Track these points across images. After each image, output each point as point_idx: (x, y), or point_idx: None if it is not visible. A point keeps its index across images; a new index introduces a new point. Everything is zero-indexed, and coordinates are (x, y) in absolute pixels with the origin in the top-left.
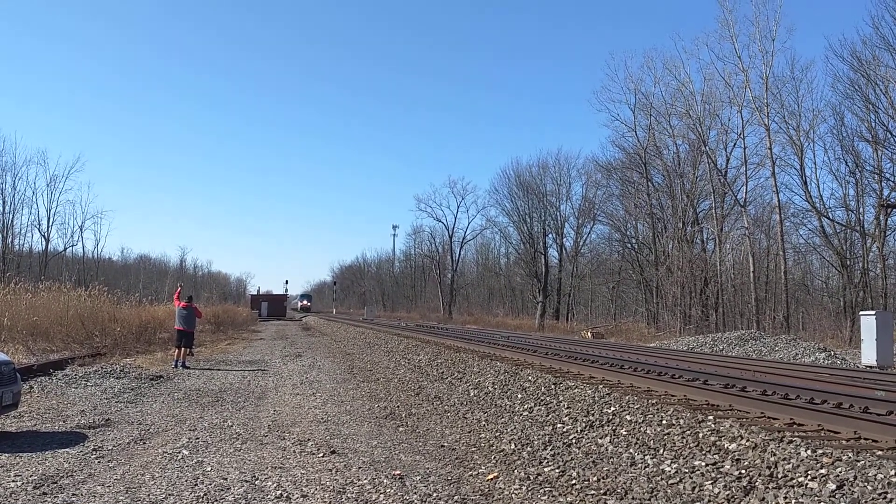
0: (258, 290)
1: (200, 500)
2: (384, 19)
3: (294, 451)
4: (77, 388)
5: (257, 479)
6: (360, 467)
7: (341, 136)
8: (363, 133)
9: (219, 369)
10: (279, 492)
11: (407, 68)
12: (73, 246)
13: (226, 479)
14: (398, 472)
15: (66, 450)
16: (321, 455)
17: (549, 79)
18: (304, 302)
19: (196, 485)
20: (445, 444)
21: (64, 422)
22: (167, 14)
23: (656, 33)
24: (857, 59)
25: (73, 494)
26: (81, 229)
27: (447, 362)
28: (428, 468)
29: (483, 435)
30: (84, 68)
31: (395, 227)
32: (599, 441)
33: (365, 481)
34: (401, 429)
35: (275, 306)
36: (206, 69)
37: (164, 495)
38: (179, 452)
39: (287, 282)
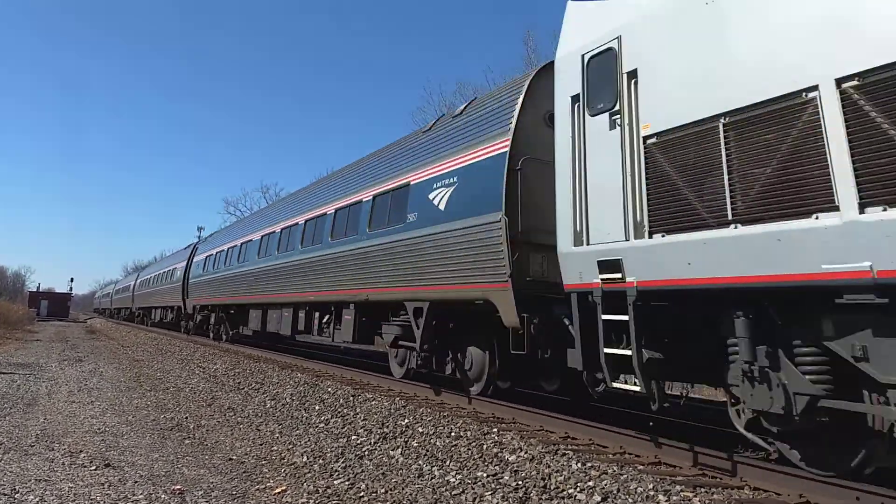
0: (38, 287)
1: None
2: (195, 18)
3: (63, 463)
4: None
5: (17, 492)
6: (136, 482)
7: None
8: (164, 136)
9: None
10: None
11: (219, 72)
12: None
13: None
14: (178, 486)
15: None
16: (93, 468)
17: (366, 95)
18: None
19: None
20: (234, 457)
21: None
22: None
23: (469, 65)
24: None
25: None
26: None
27: (245, 372)
28: (212, 482)
29: (275, 447)
30: None
31: (199, 229)
32: (391, 453)
33: (140, 496)
34: (187, 441)
35: (56, 305)
36: None
37: None
38: None
39: (72, 280)
